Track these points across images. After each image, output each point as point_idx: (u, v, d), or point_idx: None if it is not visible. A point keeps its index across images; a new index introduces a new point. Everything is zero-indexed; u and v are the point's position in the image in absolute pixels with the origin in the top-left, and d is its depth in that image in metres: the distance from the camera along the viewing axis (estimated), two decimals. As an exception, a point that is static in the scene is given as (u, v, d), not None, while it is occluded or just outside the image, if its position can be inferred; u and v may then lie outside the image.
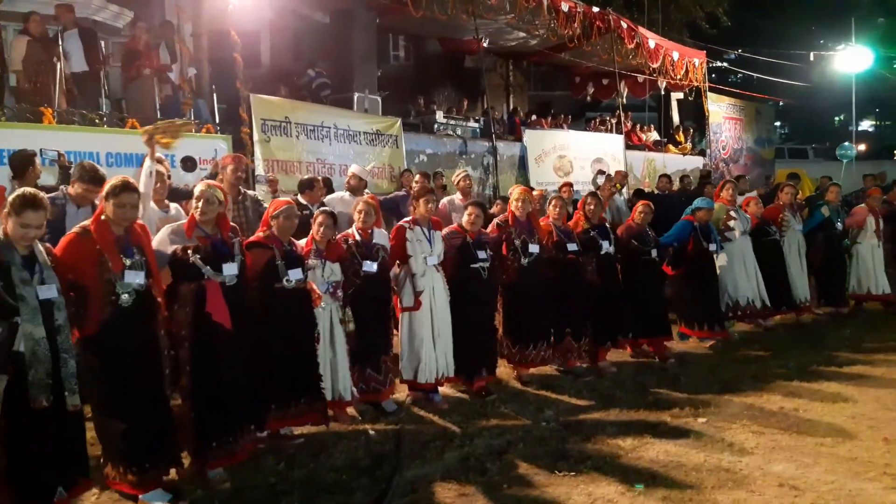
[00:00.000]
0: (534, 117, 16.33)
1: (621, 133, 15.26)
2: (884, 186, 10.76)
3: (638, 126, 18.01)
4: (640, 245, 6.34)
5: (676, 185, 10.58)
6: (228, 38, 8.13)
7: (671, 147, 17.53)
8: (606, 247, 6.00)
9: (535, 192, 10.26)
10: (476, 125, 12.36)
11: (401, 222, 5.14)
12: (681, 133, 18.27)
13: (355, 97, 9.91)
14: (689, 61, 17.17)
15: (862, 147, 31.61)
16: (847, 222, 8.39)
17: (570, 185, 8.70)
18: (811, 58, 23.52)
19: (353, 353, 4.67)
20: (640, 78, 17.05)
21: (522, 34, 14.25)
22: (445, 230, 5.27)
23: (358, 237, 4.81)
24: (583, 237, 5.95)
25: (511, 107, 17.88)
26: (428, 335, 4.97)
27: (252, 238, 4.29)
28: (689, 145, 17.91)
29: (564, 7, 12.82)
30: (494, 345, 5.46)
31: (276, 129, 8.22)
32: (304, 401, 4.21)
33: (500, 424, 4.68)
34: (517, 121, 14.61)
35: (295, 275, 4.17)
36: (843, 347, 6.75)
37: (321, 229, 4.50)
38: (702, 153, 17.97)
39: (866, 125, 41.50)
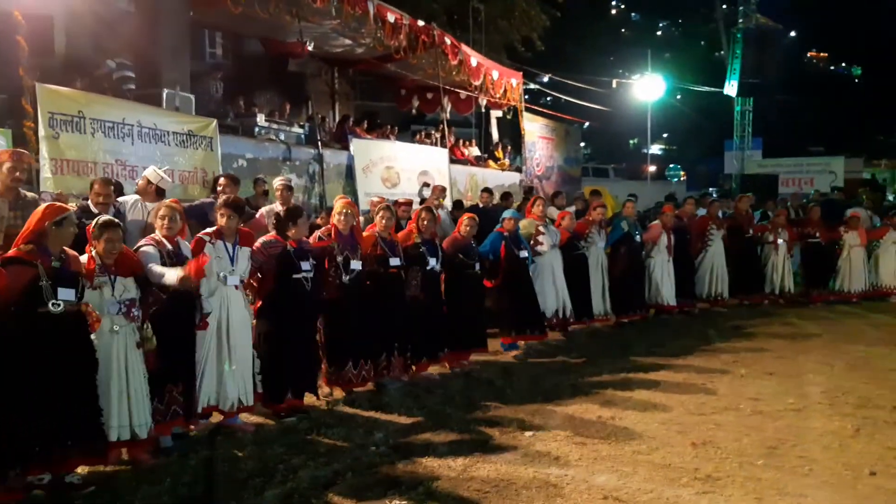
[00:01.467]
0: (364, 126, 16.14)
1: (446, 147, 15.51)
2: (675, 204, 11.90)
3: (461, 141, 18.45)
4: (465, 259, 6.40)
5: (496, 200, 10.93)
6: (11, 19, 7.03)
7: (491, 163, 18.15)
8: (433, 263, 5.99)
9: (374, 200, 10.16)
10: (301, 131, 11.88)
11: (201, 233, 4.67)
12: (500, 149, 19.00)
13: (164, 94, 9.02)
14: (507, 81, 17.93)
15: (653, 168, 35.15)
16: (644, 237, 9.03)
17: (409, 202, 8.65)
18: (613, 84, 25.67)
19: (156, 374, 4.14)
20: (463, 94, 17.54)
21: (348, 41, 14.01)
22: (262, 239, 4.93)
23: (168, 247, 4.29)
24: (411, 251, 5.89)
25: (338, 115, 17.54)
26: (214, 359, 4.55)
27: (10, 252, 3.61)
28: (507, 161, 18.67)
29: (391, 18, 12.78)
30: (315, 363, 5.22)
31: (68, 124, 7.22)
32: (73, 443, 3.60)
33: (326, 452, 4.36)
34: (345, 129, 14.29)
35: (65, 295, 3.57)
36: (649, 354, 7.20)
37: (103, 241, 3.92)
38: (518, 169, 18.81)
39: (656, 148, 46.28)
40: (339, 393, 5.56)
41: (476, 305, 6.51)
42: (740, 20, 25.06)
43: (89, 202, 5.28)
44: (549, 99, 29.35)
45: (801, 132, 36.31)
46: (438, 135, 16.94)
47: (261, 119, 10.91)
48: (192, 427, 4.54)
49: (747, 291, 10.15)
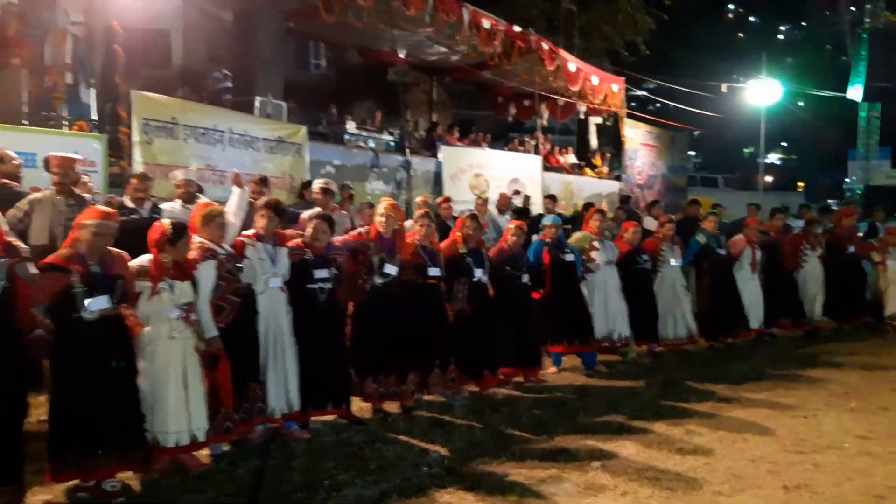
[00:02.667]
0: (455, 134, 16.08)
1: (539, 154, 15.15)
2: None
3: (556, 148, 18.02)
4: (511, 270, 6.03)
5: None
6: (111, 30, 7.40)
7: (588, 170, 17.60)
8: (479, 274, 5.64)
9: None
10: (390, 138, 11.93)
11: (240, 236, 4.56)
12: (598, 157, 18.40)
13: (257, 101, 9.28)
14: (607, 87, 17.34)
15: (769, 178, 33.10)
16: (732, 252, 8.08)
17: (448, 199, 8.44)
18: (724, 89, 24.35)
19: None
20: (561, 101, 17.11)
21: (443, 49, 13.96)
22: (288, 244, 4.74)
23: (220, 250, 4.25)
24: (455, 261, 5.56)
25: (433, 123, 17.58)
26: (272, 364, 4.49)
27: (49, 258, 3.64)
28: (605, 169, 18.06)
29: (486, 24, 12.62)
30: (343, 376, 4.93)
31: (161, 130, 7.54)
32: (110, 450, 3.57)
33: (376, 469, 4.17)
34: (434, 136, 14.25)
35: (97, 304, 3.56)
36: (742, 380, 6.51)
37: (178, 247, 3.94)
38: (618, 178, 18.14)
39: (774, 158, 43.61)
40: (392, 407, 5.34)
41: (527, 319, 6.10)
42: (867, 19, 23.14)
43: (125, 197, 5.36)
44: (657, 105, 28.27)
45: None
46: (533, 142, 16.62)
47: (351, 126, 11.03)
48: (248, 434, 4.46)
49: (846, 314, 9.07)
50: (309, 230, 4.74)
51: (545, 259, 6.50)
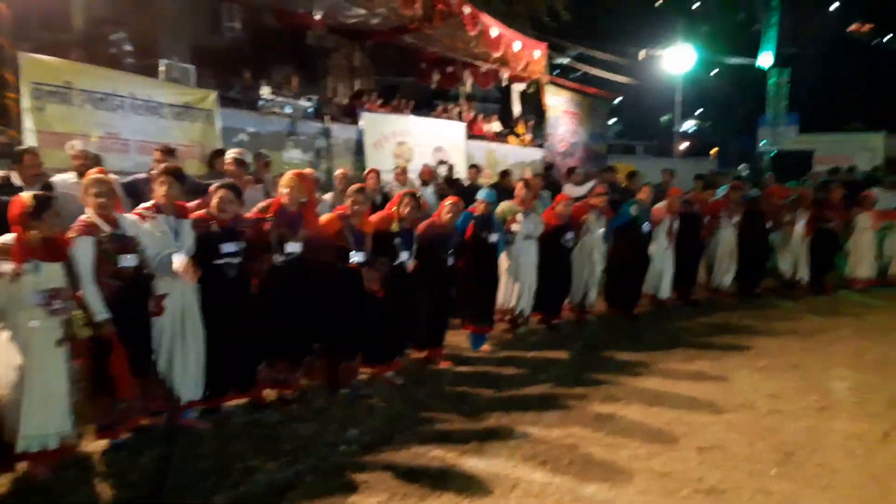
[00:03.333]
0: (378, 101, 15.68)
1: (463, 121, 15.01)
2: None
3: (480, 116, 17.89)
4: (438, 252, 5.58)
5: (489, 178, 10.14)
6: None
7: (512, 138, 17.59)
8: (404, 258, 5.26)
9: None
10: (308, 104, 11.47)
11: (138, 208, 4.15)
12: (521, 125, 18.40)
13: (161, 64, 8.69)
14: (529, 53, 17.27)
15: (685, 145, 34.12)
16: (651, 220, 7.86)
17: (375, 171, 8.04)
18: (641, 56, 24.75)
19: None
20: (484, 67, 16.95)
21: (362, 11, 13.52)
22: (192, 216, 4.34)
23: (106, 227, 3.83)
24: (382, 239, 5.14)
25: (356, 90, 17.09)
26: (178, 347, 4.14)
27: None
28: (528, 137, 18.08)
29: (404, -15, 12.26)
30: (252, 358, 4.57)
31: (54, 95, 6.93)
32: None
33: (292, 450, 4.01)
34: (356, 103, 13.86)
35: None
36: (656, 346, 6.55)
37: (42, 217, 3.53)
38: (540, 146, 18.22)
39: (689, 125, 44.90)
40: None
41: (442, 300, 5.73)
42: (778, -17, 23.87)
43: (12, 174, 4.93)
44: (579, 73, 28.44)
45: (842, 107, 34.80)
46: (457, 110, 16.44)
47: (265, 92, 10.54)
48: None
49: (752, 281, 9.13)
50: (214, 201, 4.38)
51: (467, 234, 6.15)
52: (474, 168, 10.14)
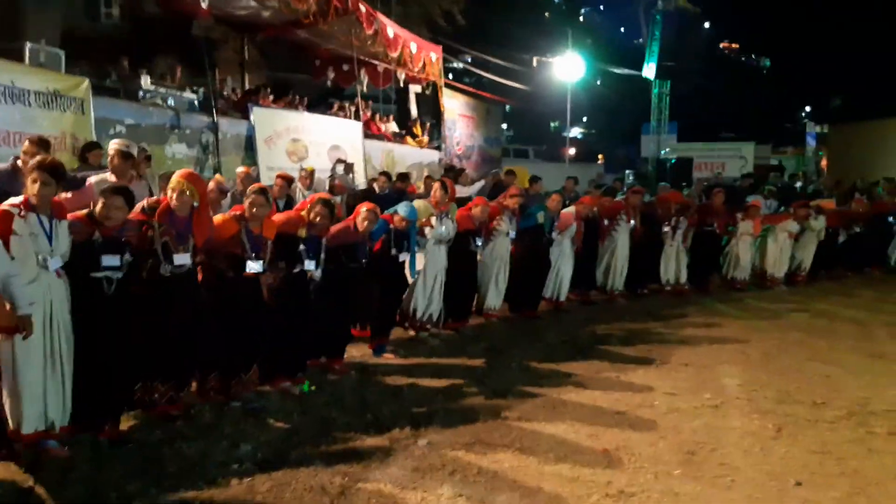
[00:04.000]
0: (270, 97, 15.07)
1: (360, 120, 14.70)
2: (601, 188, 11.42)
3: (377, 116, 17.64)
4: (348, 263, 5.33)
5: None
6: None
7: (409, 139, 17.47)
8: (308, 266, 4.94)
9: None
10: (194, 97, 10.82)
11: (6, 204, 3.59)
12: (418, 126, 18.31)
13: (27, 48, 7.87)
14: (426, 55, 17.25)
15: (573, 151, 35.33)
16: (558, 225, 7.97)
17: (283, 177, 7.70)
18: (534, 63, 25.40)
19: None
20: (380, 67, 16.72)
21: (253, 3, 12.95)
22: (68, 218, 3.82)
23: None
24: (285, 243, 4.79)
25: (248, 86, 16.35)
26: (39, 366, 3.57)
27: None
28: (425, 139, 18.02)
29: (297, -22, 11.85)
30: (129, 380, 4.12)
31: None
32: None
33: (176, 472, 3.62)
34: (246, 98, 13.24)
35: None
36: (557, 347, 6.61)
37: None
38: (437, 148, 18.21)
39: (576, 132, 46.66)
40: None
41: (343, 308, 5.46)
42: (660, 2, 25.18)
43: None
44: (473, 79, 28.77)
45: (715, 118, 37.28)
46: (353, 108, 16.10)
47: (146, 82, 9.82)
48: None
49: (641, 282, 9.45)
50: (99, 205, 3.84)
51: (376, 246, 5.86)
52: (385, 175, 9.64)
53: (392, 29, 15.46)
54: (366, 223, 5.40)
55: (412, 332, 6.67)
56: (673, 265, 9.62)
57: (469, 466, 3.83)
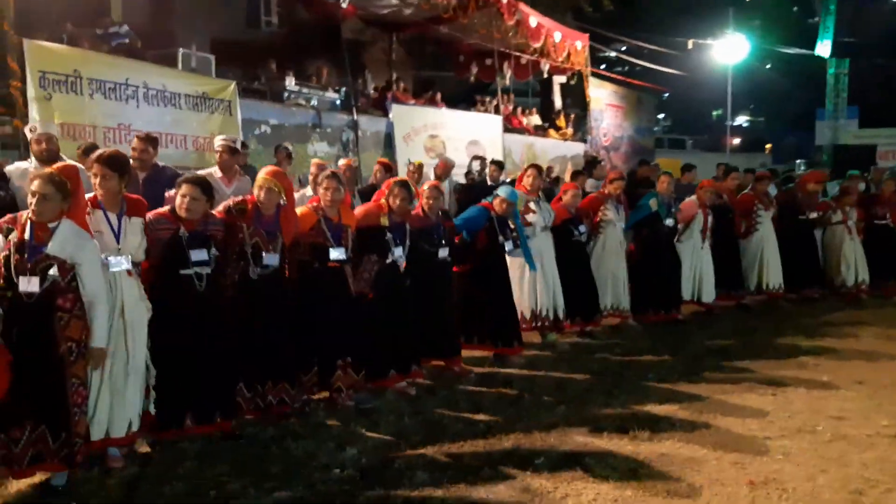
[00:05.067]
0: (409, 93, 15.25)
1: (500, 114, 14.46)
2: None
3: (519, 109, 17.30)
4: (427, 245, 5.03)
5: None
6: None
7: (552, 132, 16.96)
8: (397, 255, 4.73)
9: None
10: (336, 96, 11.09)
11: None
12: (562, 118, 17.75)
13: (180, 53, 8.39)
14: (571, 44, 16.67)
15: (737, 140, 32.85)
16: (679, 217, 7.24)
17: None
18: (690, 45, 23.78)
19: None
20: (523, 59, 16.36)
21: (394, 1, 13.09)
22: (151, 215, 3.81)
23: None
24: (372, 235, 4.64)
25: (394, 84, 16.70)
26: (98, 375, 3.45)
27: None
28: (570, 131, 17.42)
29: (437, -27, 11.82)
30: (230, 382, 4.06)
31: (61, 84, 6.66)
32: None
33: (279, 473, 3.55)
34: (388, 96, 13.44)
35: None
36: (698, 358, 5.91)
37: None
38: (583, 140, 17.55)
39: (742, 120, 43.33)
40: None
41: (442, 301, 5.17)
42: (836, -28, 22.64)
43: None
44: (626, 68, 27.50)
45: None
46: (494, 103, 15.89)
47: (290, 83, 10.16)
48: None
49: (801, 283, 8.35)
50: (178, 199, 3.80)
51: (480, 236, 5.54)
52: (495, 164, 9.21)
53: (535, 18, 15.05)
54: (431, 202, 5.14)
55: (538, 334, 6.28)
56: (853, 264, 8.49)
57: (584, 493, 3.42)
